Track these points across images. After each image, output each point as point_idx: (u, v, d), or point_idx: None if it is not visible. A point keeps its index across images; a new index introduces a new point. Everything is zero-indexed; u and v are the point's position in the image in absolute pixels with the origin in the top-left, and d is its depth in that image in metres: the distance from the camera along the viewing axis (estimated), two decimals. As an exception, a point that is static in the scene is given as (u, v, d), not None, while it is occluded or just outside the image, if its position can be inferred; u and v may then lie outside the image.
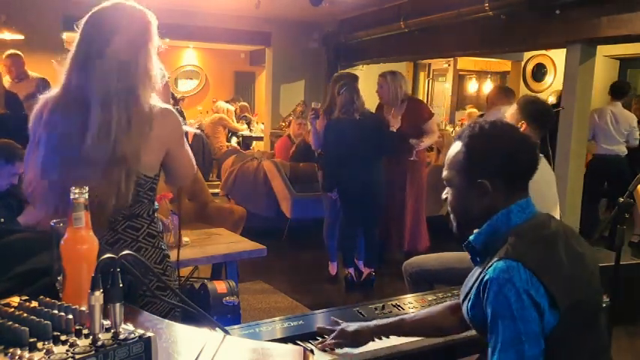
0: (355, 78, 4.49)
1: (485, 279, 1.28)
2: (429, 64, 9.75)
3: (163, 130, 1.61)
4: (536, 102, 2.76)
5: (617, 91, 5.79)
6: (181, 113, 9.29)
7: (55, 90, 1.62)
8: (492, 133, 1.39)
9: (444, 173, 1.47)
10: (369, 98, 4.61)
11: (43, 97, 1.62)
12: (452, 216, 1.50)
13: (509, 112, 2.69)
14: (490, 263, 1.30)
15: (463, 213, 1.46)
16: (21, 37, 5.96)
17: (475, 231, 1.43)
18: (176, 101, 9.55)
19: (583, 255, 1.38)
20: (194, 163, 1.83)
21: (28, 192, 1.63)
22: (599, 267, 1.43)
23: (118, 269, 0.96)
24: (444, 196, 1.50)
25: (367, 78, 6.42)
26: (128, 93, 1.55)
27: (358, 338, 1.68)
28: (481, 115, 6.15)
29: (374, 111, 4.80)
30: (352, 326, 1.70)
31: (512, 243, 1.30)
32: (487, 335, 1.30)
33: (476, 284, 1.36)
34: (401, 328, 1.71)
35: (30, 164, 1.61)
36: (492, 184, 1.36)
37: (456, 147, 1.43)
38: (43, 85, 5.36)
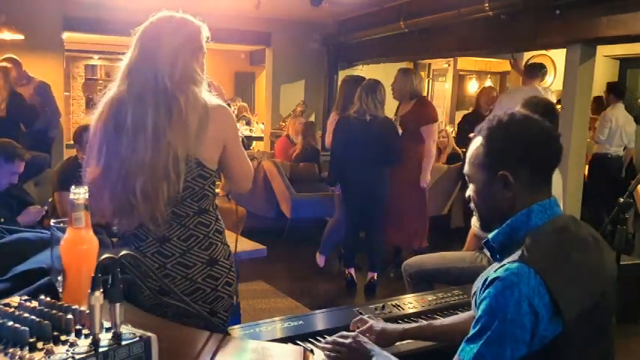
0: (362, 79, 4.59)
1: (492, 276, 1.26)
2: (429, 64, 9.73)
3: (218, 124, 1.70)
4: (541, 101, 2.76)
5: (618, 90, 5.82)
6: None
7: (112, 91, 1.70)
8: (511, 123, 1.36)
9: (465, 169, 1.44)
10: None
11: (104, 98, 1.71)
12: (475, 213, 1.46)
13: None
14: (503, 263, 1.28)
15: (487, 209, 1.41)
16: (21, 37, 5.94)
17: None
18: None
19: (603, 263, 1.35)
20: (251, 164, 1.89)
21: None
22: None
23: (118, 269, 0.96)
24: (467, 193, 1.47)
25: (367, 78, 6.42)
26: (175, 90, 1.66)
27: (383, 337, 1.68)
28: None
29: (394, 109, 4.82)
30: (380, 325, 1.71)
31: (528, 246, 1.26)
32: None
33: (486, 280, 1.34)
34: (428, 333, 1.71)
35: (90, 161, 1.67)
36: (514, 175, 1.33)
37: (476, 142, 1.40)
38: (41, 90, 5.35)
